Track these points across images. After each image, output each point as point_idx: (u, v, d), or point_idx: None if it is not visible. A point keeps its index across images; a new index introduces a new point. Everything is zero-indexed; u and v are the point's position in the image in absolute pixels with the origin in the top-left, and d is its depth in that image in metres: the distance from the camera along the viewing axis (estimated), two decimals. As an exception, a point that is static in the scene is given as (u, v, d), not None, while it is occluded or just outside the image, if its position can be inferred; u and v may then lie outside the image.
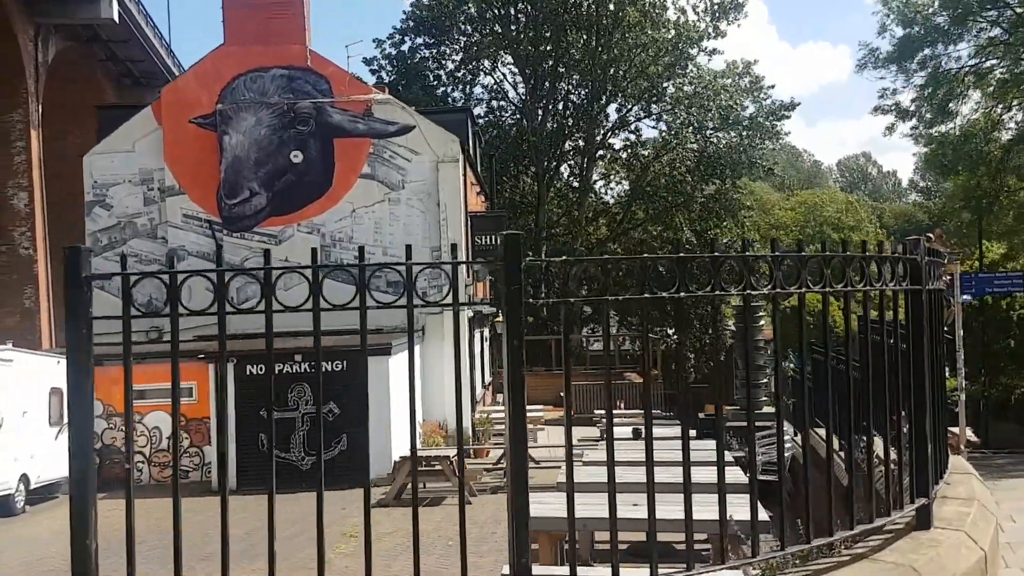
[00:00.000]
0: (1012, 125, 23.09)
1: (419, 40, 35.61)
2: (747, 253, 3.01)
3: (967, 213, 25.80)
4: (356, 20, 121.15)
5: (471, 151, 24.65)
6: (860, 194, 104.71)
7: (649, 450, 2.99)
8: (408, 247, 2.77)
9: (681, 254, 2.84)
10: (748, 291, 2.95)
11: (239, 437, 13.09)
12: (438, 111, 26.12)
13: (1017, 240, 25.29)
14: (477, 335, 23.15)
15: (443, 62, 36.22)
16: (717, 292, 2.88)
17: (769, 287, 3.00)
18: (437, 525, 10.31)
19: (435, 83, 35.92)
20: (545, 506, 6.33)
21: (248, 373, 14.73)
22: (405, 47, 35.45)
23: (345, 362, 14.41)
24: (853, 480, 3.79)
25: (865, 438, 3.79)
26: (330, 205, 19.22)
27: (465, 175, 20.89)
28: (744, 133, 33.03)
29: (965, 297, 13.40)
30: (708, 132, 33.39)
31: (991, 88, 22.54)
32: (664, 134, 34.27)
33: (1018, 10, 20.92)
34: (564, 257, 2.84)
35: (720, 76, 34.00)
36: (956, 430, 32.68)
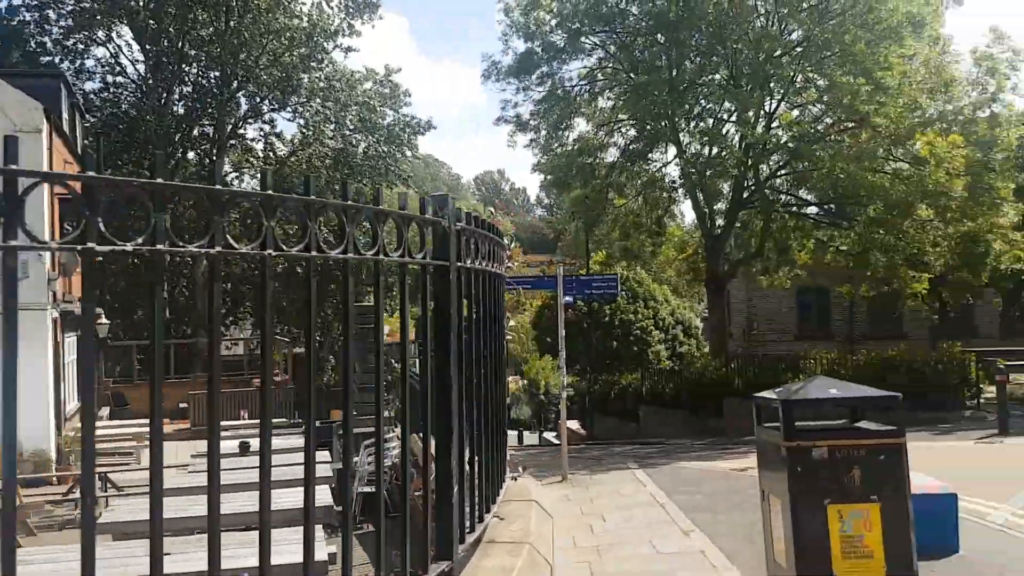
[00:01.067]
0: (618, 142, 25.67)
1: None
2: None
3: (578, 224, 28.38)
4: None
5: (69, 124, 21.40)
6: (494, 210, 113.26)
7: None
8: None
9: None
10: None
11: None
12: (24, 74, 22.25)
13: (613, 248, 28.33)
14: (69, 340, 19.86)
15: (48, 27, 31.38)
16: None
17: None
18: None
19: (39, 51, 31.14)
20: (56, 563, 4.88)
21: None
22: (2, 5, 30.02)
23: None
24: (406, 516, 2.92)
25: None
26: None
27: (52, 150, 17.86)
28: (381, 140, 33.15)
29: (567, 299, 14.13)
30: (346, 133, 32.94)
31: (596, 110, 24.89)
32: (302, 128, 33.06)
33: (623, 38, 23.28)
34: None
35: (361, 80, 33.71)
36: (573, 424, 35.69)
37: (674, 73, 22.57)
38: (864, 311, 37.05)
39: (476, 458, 3.15)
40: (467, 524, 2.96)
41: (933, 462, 12.61)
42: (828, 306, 38.56)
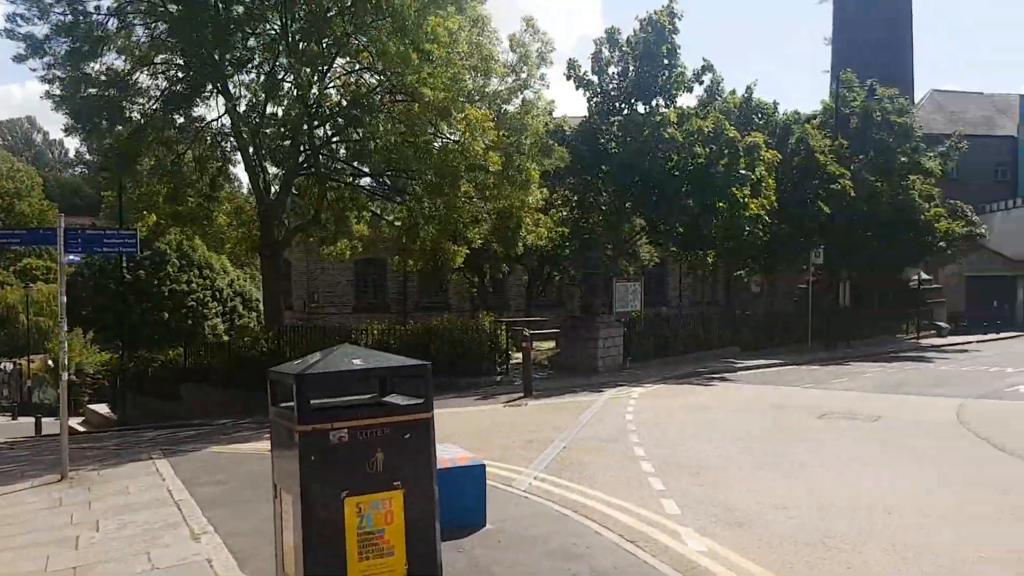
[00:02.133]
0: (161, 85, 22.36)
1: None
2: None
3: (110, 178, 24.45)
4: None
5: None
6: (24, 161, 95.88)
7: None
8: None
9: None
10: None
11: None
12: None
13: (162, 211, 24.88)
14: None
15: None
16: None
17: None
18: None
19: None
20: None
21: None
22: None
23: None
24: None
25: None
26: None
27: None
28: None
29: (72, 257, 11.46)
30: None
31: (133, 43, 21.37)
32: None
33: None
34: None
35: None
36: (102, 408, 30.99)
37: (220, 9, 20.31)
38: (416, 284, 38.79)
39: None
40: None
41: (465, 429, 12.90)
42: (385, 278, 39.61)
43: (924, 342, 35.52)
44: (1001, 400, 16.07)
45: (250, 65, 22.46)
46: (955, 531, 7.05)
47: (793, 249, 29.90)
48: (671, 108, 23.94)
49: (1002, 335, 40.40)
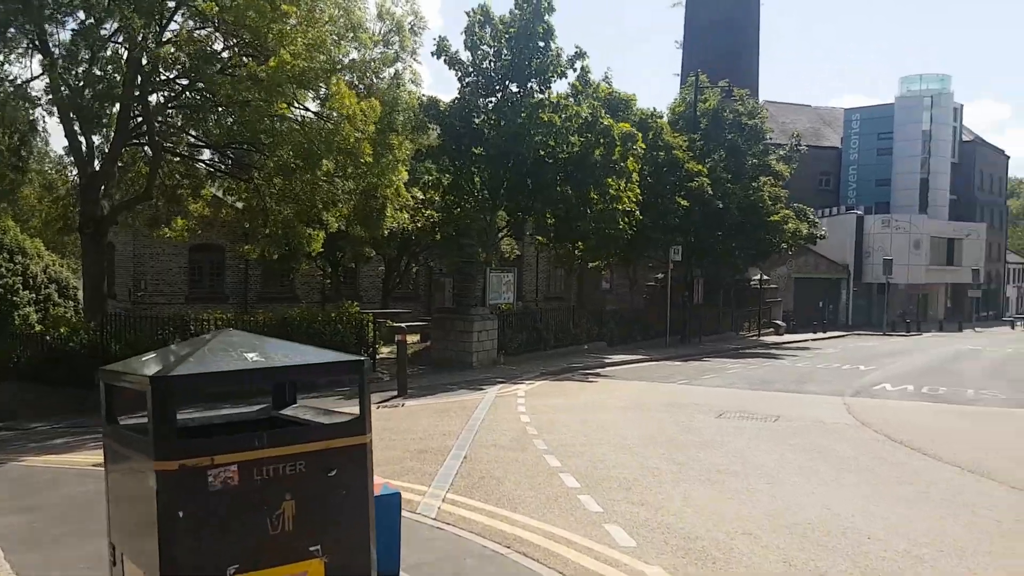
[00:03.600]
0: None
1: None
2: None
3: None
4: None
5: None
6: None
7: None
8: None
9: None
10: None
11: None
12: None
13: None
14: None
15: None
16: None
17: None
18: None
19: None
20: None
21: None
22: None
23: None
24: None
25: None
26: None
27: None
28: None
29: None
30: None
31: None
32: None
33: None
34: None
35: None
36: None
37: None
38: (259, 273, 35.73)
39: None
40: None
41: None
42: (223, 266, 36.20)
43: (766, 339, 36.77)
44: (879, 400, 16.09)
45: (72, 16, 19.22)
46: (961, 559, 6.13)
47: (655, 244, 29.76)
48: (547, 92, 22.82)
49: (831, 334, 42.78)
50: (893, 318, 47.71)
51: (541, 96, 22.55)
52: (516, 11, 22.07)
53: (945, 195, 58.03)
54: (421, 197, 23.20)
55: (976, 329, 51.43)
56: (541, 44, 22.20)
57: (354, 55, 20.05)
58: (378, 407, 13.92)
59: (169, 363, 3.23)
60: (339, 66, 19.21)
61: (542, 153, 22.22)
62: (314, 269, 32.14)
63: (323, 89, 18.04)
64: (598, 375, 20.08)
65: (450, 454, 9.65)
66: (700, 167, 30.74)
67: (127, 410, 3.73)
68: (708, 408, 13.97)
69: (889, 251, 50.56)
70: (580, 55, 23.62)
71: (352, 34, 18.98)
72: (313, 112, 19.54)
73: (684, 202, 29.11)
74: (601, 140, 22.57)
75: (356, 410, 3.65)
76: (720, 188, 31.39)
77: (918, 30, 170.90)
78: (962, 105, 61.81)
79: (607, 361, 23.18)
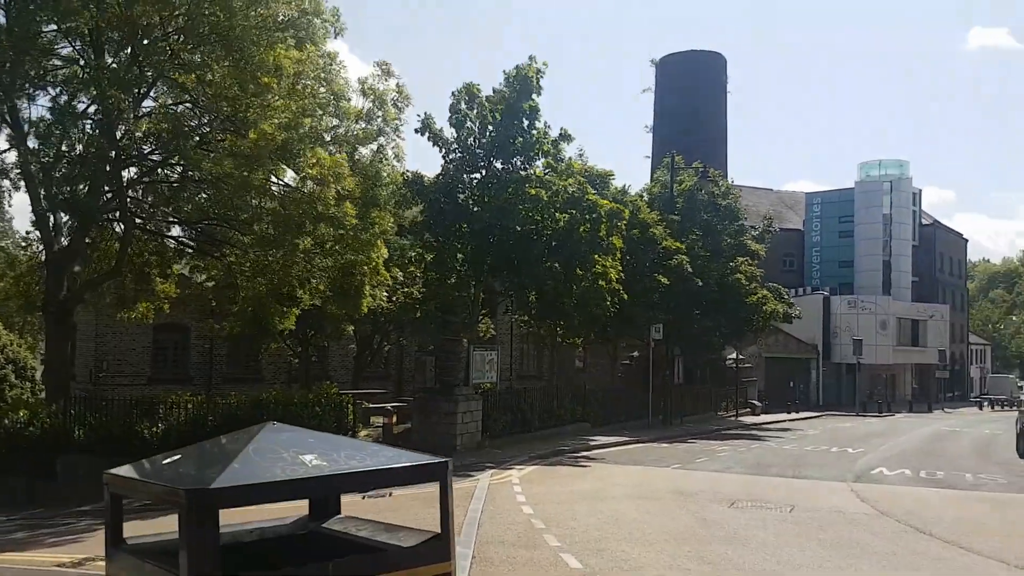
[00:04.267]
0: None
1: None
2: None
3: None
4: None
5: None
6: None
7: None
8: None
9: None
10: None
11: None
12: None
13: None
14: None
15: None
16: None
17: None
18: None
19: None
20: None
21: None
22: None
23: None
24: None
25: None
26: None
27: None
28: None
29: None
30: None
31: None
32: None
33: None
34: None
35: None
36: None
37: (11, 17, 16.62)
38: (224, 353, 34.48)
39: None
40: None
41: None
42: (188, 346, 34.85)
43: (745, 419, 36.24)
44: (885, 486, 15.52)
45: (46, 90, 18.68)
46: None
47: (637, 322, 29.32)
48: (530, 169, 22.59)
49: (805, 414, 42.41)
50: (863, 398, 47.65)
51: (526, 172, 22.34)
52: (504, 89, 22.00)
53: (908, 277, 58.99)
54: (401, 276, 22.56)
55: (945, 409, 51.59)
56: (526, 123, 22.10)
57: (336, 126, 19.69)
58: (363, 497, 12.88)
59: (206, 468, 2.50)
60: (320, 141, 18.78)
61: (529, 228, 21.87)
62: (283, 348, 31.07)
63: (309, 160, 17.54)
64: (589, 459, 19.24)
65: (456, 553, 8.74)
66: (679, 244, 30.68)
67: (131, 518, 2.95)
68: (717, 496, 13.24)
69: (856, 331, 50.86)
70: (565, 137, 23.47)
71: (333, 106, 18.65)
72: (291, 184, 19.01)
73: (664, 279, 28.86)
74: (587, 216, 22.30)
75: (411, 517, 2.92)
76: (698, 266, 31.30)
77: (869, 117, 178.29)
78: (920, 190, 63.60)
79: (593, 444, 22.35)
